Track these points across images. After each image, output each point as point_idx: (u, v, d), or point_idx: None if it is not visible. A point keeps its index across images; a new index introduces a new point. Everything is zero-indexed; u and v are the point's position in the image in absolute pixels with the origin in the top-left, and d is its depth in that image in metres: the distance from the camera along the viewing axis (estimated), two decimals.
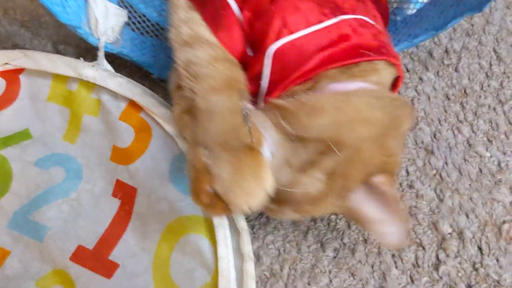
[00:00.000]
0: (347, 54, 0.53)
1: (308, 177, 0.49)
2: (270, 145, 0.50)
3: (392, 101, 0.53)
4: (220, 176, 0.46)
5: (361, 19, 0.56)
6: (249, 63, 0.56)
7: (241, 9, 0.57)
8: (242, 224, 0.60)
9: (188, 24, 0.56)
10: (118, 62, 0.73)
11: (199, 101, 0.50)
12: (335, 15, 0.54)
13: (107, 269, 0.61)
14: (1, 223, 0.64)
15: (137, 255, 0.61)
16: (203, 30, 0.56)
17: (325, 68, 0.52)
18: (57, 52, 0.80)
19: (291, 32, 0.53)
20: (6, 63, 0.69)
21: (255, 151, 0.47)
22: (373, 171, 0.49)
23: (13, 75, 0.70)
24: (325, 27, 0.53)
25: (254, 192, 0.47)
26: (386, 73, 0.55)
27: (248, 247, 0.59)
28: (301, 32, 0.53)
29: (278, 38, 0.53)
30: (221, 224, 0.60)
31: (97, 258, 0.62)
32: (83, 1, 0.68)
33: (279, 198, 0.50)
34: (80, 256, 0.62)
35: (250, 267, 0.58)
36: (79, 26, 0.67)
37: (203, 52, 0.54)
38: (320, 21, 0.54)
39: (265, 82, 0.55)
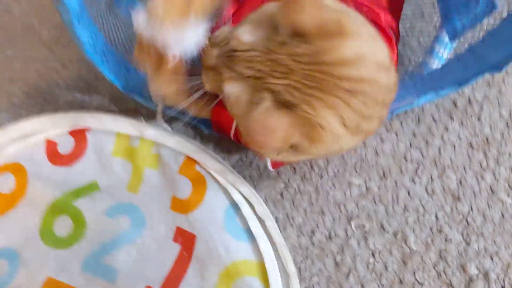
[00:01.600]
0: None
1: None
2: None
3: None
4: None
5: None
6: None
7: None
8: (291, 267, 0.68)
9: None
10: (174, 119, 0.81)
11: None
12: None
13: None
14: (76, 266, 0.71)
15: None
16: None
17: None
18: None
19: None
20: (77, 124, 0.77)
21: None
22: None
23: (81, 133, 0.78)
24: None
25: None
26: None
27: (297, 286, 0.68)
28: None
29: None
30: (273, 268, 0.68)
31: None
32: (143, 72, 0.76)
33: None
34: None
35: None
36: (141, 93, 0.75)
37: None
38: None
39: None
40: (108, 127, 0.76)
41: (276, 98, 0.49)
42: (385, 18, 0.70)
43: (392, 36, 0.69)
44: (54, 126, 0.75)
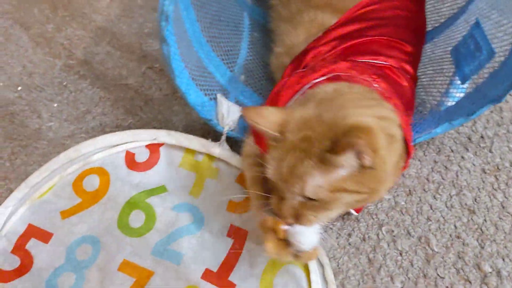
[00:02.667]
0: None
1: None
2: None
3: None
4: None
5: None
6: None
7: None
8: (326, 260, 0.85)
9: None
10: (231, 140, 0.99)
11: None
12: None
13: (227, 286, 0.83)
14: (147, 251, 0.88)
15: (248, 279, 0.84)
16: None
17: None
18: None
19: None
20: (154, 138, 0.97)
21: None
22: None
23: (155, 147, 0.98)
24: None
25: None
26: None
27: (331, 276, 0.84)
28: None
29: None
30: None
31: (220, 278, 0.84)
32: (213, 101, 0.97)
33: None
34: (208, 275, 0.84)
35: None
36: (212, 119, 0.95)
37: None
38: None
39: None
40: (181, 143, 0.96)
41: None
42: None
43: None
44: (135, 140, 0.97)
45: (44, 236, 0.89)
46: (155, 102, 1.15)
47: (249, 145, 0.86)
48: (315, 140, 0.63)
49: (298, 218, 0.67)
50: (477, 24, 0.96)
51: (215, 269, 0.85)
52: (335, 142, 0.61)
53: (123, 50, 1.26)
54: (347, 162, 0.62)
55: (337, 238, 0.91)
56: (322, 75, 0.78)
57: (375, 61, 0.87)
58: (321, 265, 0.84)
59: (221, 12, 1.12)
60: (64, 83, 1.20)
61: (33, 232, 0.90)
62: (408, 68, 0.90)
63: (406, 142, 0.75)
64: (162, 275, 0.85)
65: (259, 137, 0.82)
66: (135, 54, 1.24)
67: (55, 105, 1.16)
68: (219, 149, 0.95)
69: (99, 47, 1.27)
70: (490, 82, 0.92)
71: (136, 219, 0.91)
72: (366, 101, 0.71)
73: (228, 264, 0.86)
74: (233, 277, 0.84)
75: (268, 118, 0.67)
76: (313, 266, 0.83)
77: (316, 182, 0.63)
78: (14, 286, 0.85)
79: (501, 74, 0.88)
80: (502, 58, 0.88)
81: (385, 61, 0.87)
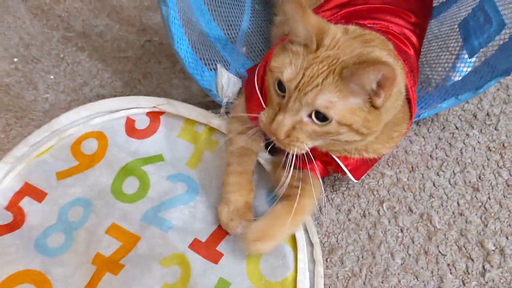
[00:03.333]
0: None
1: None
2: None
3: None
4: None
5: None
6: None
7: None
8: (316, 238, 0.82)
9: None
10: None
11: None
12: None
13: (215, 256, 0.82)
14: (136, 217, 0.87)
15: (236, 250, 0.82)
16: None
17: None
18: None
19: None
20: (154, 106, 0.95)
21: None
22: None
23: (155, 115, 0.97)
24: None
25: None
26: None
27: (319, 256, 0.81)
28: None
29: None
30: (301, 237, 0.81)
31: (208, 248, 0.82)
32: (213, 72, 0.94)
33: None
34: (195, 245, 0.83)
35: (320, 269, 0.80)
36: (211, 89, 0.92)
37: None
38: None
39: None
40: (180, 113, 0.94)
41: None
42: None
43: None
44: (136, 106, 0.96)
45: (39, 195, 0.89)
46: (154, 75, 1.12)
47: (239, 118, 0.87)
48: (344, 62, 0.64)
49: (288, 136, 0.68)
50: None
51: (203, 239, 0.84)
52: (361, 64, 0.62)
53: (122, 23, 1.23)
54: (364, 88, 0.64)
55: (336, 214, 0.89)
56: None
57: (376, 26, 0.85)
58: (311, 244, 0.82)
59: None
60: (62, 55, 1.18)
61: (28, 190, 0.89)
62: (412, 38, 0.88)
63: (409, 104, 0.76)
64: (148, 241, 0.84)
65: (252, 102, 0.82)
66: (135, 27, 1.22)
67: (52, 76, 1.14)
68: (218, 120, 0.92)
69: (98, 19, 1.25)
70: (500, 55, 0.89)
71: (130, 185, 0.90)
72: (387, 50, 0.72)
73: (218, 235, 0.84)
74: (221, 247, 0.82)
75: (310, 19, 0.65)
76: (301, 244, 0.81)
77: (331, 98, 0.64)
78: (4, 240, 0.84)
79: (511, 47, 0.86)
80: None
81: (387, 27, 0.84)
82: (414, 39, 0.88)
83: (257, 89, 0.83)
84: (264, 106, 0.80)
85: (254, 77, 0.84)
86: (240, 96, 0.92)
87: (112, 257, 0.82)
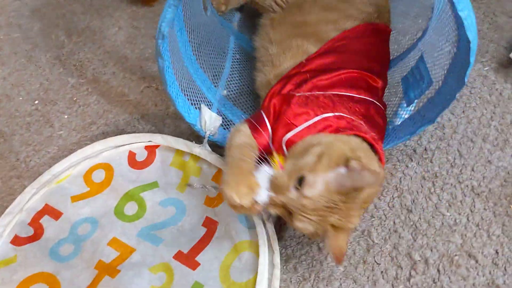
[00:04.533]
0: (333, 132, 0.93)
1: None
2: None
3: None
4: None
5: (338, 115, 0.95)
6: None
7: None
8: (276, 246, 1.01)
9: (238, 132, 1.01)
10: (214, 146, 1.17)
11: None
12: (322, 113, 0.95)
13: (193, 264, 1.01)
14: (133, 233, 1.07)
15: (211, 260, 1.01)
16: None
17: None
18: None
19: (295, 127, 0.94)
20: (150, 141, 1.18)
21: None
22: None
23: (152, 149, 1.18)
24: (315, 122, 0.94)
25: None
26: (354, 139, 0.90)
27: (277, 260, 0.99)
28: (300, 127, 0.94)
29: (287, 131, 0.94)
30: (264, 245, 0.99)
31: (189, 258, 1.02)
32: (198, 110, 1.16)
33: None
34: (179, 256, 1.02)
35: (277, 272, 0.98)
36: (196, 124, 1.14)
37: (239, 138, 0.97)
38: (312, 118, 0.94)
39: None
40: (170, 144, 1.15)
41: (333, 227, 0.86)
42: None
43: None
44: (136, 141, 1.17)
45: (56, 214, 1.10)
46: (150, 116, 1.34)
47: (246, 135, 0.98)
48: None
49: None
50: (421, 58, 1.13)
51: (186, 251, 1.03)
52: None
53: (126, 71, 1.46)
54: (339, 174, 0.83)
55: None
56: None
57: (356, 95, 1.04)
58: (272, 251, 1.00)
59: (210, 35, 1.31)
60: (75, 99, 1.40)
61: (48, 210, 1.11)
62: (379, 100, 1.09)
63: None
64: (141, 252, 1.04)
65: (260, 134, 0.97)
66: (136, 75, 1.44)
67: (66, 116, 1.36)
68: (199, 149, 1.13)
69: (106, 68, 1.48)
70: (428, 106, 1.09)
71: (130, 208, 1.11)
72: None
73: (199, 247, 1.03)
74: (199, 258, 1.02)
75: None
76: (263, 250, 0.99)
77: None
78: (24, 249, 1.05)
79: (436, 100, 1.06)
80: (437, 87, 1.06)
81: (364, 95, 1.05)
82: (381, 104, 1.08)
83: (268, 126, 0.98)
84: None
85: (263, 116, 1.00)
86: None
87: (111, 264, 1.02)
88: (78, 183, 1.15)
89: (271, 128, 0.98)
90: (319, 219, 0.84)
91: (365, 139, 0.92)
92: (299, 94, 1.01)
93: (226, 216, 1.06)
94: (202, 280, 0.99)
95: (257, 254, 1.00)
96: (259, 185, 0.86)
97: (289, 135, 0.94)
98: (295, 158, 0.88)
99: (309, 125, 0.94)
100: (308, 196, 0.82)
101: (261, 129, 0.97)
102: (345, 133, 0.92)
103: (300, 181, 0.83)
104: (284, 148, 0.94)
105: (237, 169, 0.89)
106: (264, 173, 0.87)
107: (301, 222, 0.85)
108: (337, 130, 0.92)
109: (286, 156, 0.92)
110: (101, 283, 0.99)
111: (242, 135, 0.98)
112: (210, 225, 1.07)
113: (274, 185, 0.85)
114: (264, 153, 0.93)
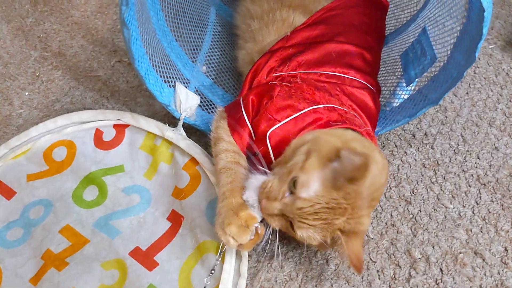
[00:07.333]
0: (324, 126, 0.83)
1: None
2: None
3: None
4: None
5: (329, 106, 0.86)
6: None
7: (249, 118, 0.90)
8: (245, 253, 0.88)
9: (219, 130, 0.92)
10: (191, 130, 1.05)
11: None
12: (309, 106, 0.85)
13: (151, 265, 0.89)
14: (89, 222, 0.95)
15: (172, 261, 0.89)
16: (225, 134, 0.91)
17: None
18: None
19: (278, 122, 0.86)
20: (119, 119, 1.04)
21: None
22: None
23: (121, 128, 1.05)
24: (303, 113, 0.84)
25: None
26: (348, 133, 0.83)
27: (244, 269, 0.87)
28: (285, 120, 0.85)
29: (270, 127, 0.86)
30: (230, 250, 0.87)
31: (146, 256, 0.90)
32: (172, 88, 1.02)
33: None
34: (135, 253, 0.90)
35: (242, 282, 0.86)
36: (169, 104, 1.01)
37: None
38: (298, 111, 0.86)
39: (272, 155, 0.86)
40: (141, 126, 1.02)
41: (343, 232, 0.76)
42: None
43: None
44: (104, 118, 1.04)
45: (8, 193, 0.98)
46: (121, 93, 1.21)
47: (228, 142, 0.91)
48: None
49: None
50: (424, 31, 1.02)
51: (144, 248, 0.91)
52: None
53: (96, 44, 1.32)
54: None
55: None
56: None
57: (346, 75, 0.95)
58: (240, 257, 0.88)
59: (187, 4, 1.19)
60: (37, 74, 1.26)
61: (1, 188, 0.98)
62: (371, 80, 0.98)
63: None
64: (95, 245, 0.92)
65: (241, 135, 0.90)
66: (107, 48, 1.31)
67: (27, 93, 1.22)
68: (172, 133, 1.00)
69: (73, 40, 1.34)
70: (431, 85, 0.98)
71: (90, 193, 0.99)
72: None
73: (159, 245, 0.91)
74: (158, 257, 0.89)
75: None
76: (229, 257, 0.87)
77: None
78: None
79: (440, 78, 0.94)
80: (442, 64, 0.94)
81: (354, 76, 0.95)
82: (372, 81, 0.98)
83: (248, 124, 0.90)
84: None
85: (242, 113, 0.91)
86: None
87: (59, 255, 0.90)
88: (37, 160, 1.02)
89: (252, 123, 0.90)
90: (323, 224, 0.75)
91: (359, 133, 0.84)
92: (280, 75, 0.93)
93: (192, 211, 0.94)
94: (157, 284, 0.87)
95: (222, 259, 0.88)
96: (255, 218, 0.80)
97: (273, 128, 0.86)
98: (284, 162, 0.80)
99: (296, 117, 0.86)
100: (304, 197, 0.74)
101: (240, 130, 0.90)
102: (337, 126, 0.83)
103: (294, 183, 0.75)
104: (268, 142, 0.86)
105: (228, 203, 0.82)
106: (254, 186, 0.81)
107: (304, 230, 0.76)
108: (327, 124, 0.84)
109: (270, 150, 0.86)
110: (45, 276, 0.87)
111: (225, 143, 0.91)
112: (175, 220, 0.95)
113: (267, 193, 0.78)
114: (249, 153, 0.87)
